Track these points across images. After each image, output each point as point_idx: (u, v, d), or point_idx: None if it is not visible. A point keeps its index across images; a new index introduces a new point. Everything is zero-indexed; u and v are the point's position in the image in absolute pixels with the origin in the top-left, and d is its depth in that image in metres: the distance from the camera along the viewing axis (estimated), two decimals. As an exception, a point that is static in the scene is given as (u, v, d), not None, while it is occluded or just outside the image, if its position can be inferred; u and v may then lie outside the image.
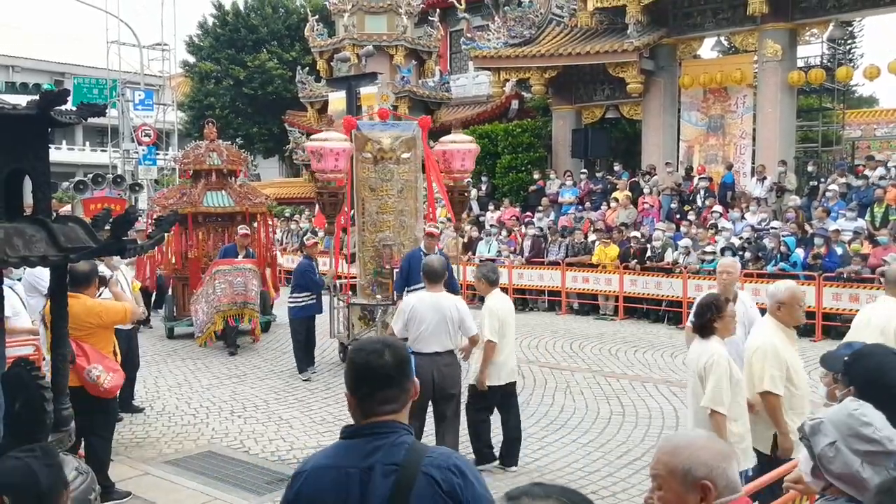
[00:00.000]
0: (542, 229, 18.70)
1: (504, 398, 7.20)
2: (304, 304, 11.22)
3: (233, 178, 14.98)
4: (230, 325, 12.61)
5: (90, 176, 24.40)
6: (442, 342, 6.70)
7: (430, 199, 13.27)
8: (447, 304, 6.76)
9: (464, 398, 7.11)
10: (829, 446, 2.47)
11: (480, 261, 18.33)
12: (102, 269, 7.29)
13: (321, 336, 12.04)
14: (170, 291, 14.95)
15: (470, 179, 13.32)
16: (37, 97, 3.60)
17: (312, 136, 11.84)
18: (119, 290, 7.00)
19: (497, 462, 7.20)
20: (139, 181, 27.66)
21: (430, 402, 6.77)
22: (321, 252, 13.22)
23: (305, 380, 10.78)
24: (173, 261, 14.93)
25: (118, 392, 6.51)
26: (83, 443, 6.26)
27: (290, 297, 11.51)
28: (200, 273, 13.69)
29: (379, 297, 11.54)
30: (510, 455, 7.20)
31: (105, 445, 6.49)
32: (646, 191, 19.17)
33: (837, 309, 13.22)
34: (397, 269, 10.74)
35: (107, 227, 3.72)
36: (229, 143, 15.60)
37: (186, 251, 14.49)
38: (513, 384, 7.28)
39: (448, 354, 6.77)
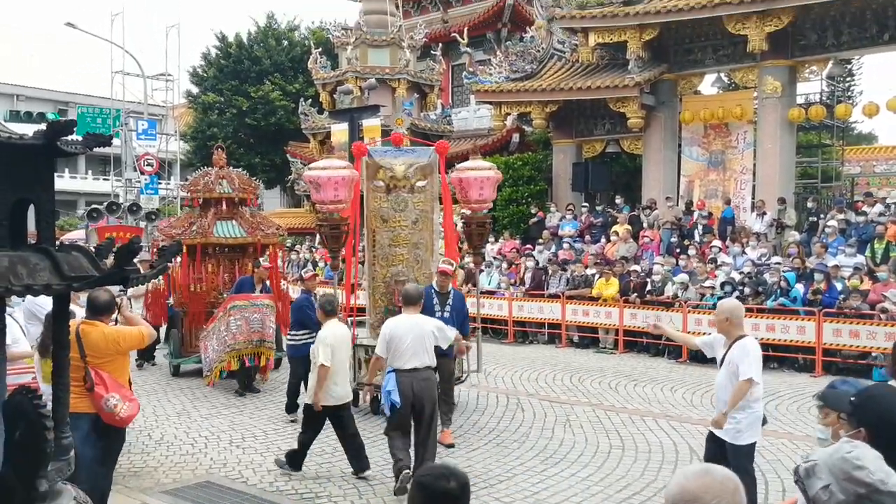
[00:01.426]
0: (538, 262, 18.71)
1: (335, 416, 7.89)
2: (301, 342, 10.06)
3: (243, 208, 14.01)
4: (245, 366, 11.74)
5: (105, 204, 24.44)
6: (420, 359, 7.38)
7: (447, 231, 12.30)
8: (425, 325, 7.54)
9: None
10: (823, 490, 2.47)
11: (481, 292, 18.38)
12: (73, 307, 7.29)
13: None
14: (176, 326, 14.03)
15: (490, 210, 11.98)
16: (43, 127, 3.64)
17: (311, 165, 10.61)
18: (130, 313, 7.01)
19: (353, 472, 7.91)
20: (154, 209, 27.68)
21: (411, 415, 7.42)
22: (321, 282, 13.12)
23: (293, 420, 10.01)
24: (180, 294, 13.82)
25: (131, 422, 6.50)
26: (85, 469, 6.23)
27: (288, 335, 10.75)
28: (206, 307, 13.10)
29: None
30: (360, 459, 7.91)
31: (108, 474, 6.47)
32: (646, 225, 19.23)
33: (838, 345, 13.21)
34: None
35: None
36: (239, 170, 14.83)
37: (193, 284, 13.43)
38: (347, 404, 8.00)
39: (425, 370, 7.42)
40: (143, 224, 24.41)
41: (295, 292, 14.43)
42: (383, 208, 10.92)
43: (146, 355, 14.11)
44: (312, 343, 9.77)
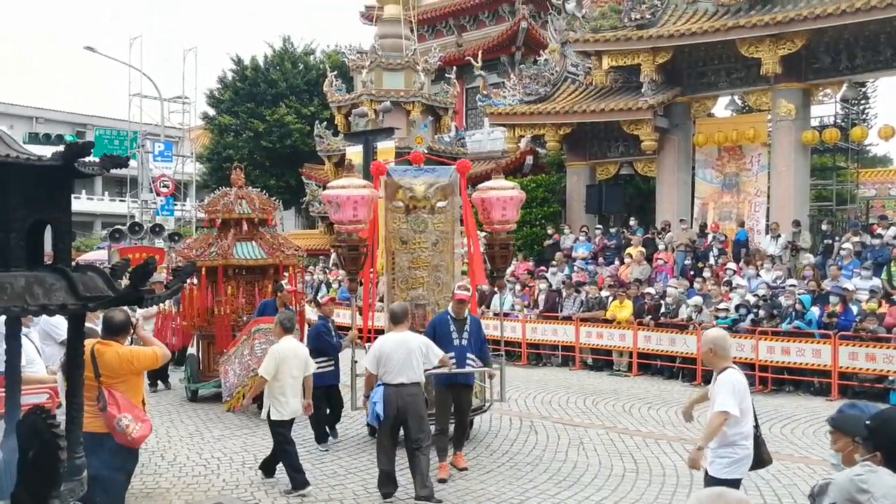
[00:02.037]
0: (551, 285, 18.67)
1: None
2: (319, 370, 9.44)
3: (263, 228, 13.65)
4: None
5: (127, 225, 24.50)
6: (407, 375, 7.71)
7: (473, 253, 11.44)
8: (414, 342, 7.85)
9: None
10: None
11: (495, 314, 18.36)
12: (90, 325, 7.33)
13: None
14: (192, 350, 13.82)
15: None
16: (61, 148, 3.68)
17: (329, 184, 10.10)
18: (145, 333, 7.03)
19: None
20: (178, 231, 27.75)
21: (400, 428, 7.83)
22: (337, 303, 13.01)
23: (325, 451, 9.77)
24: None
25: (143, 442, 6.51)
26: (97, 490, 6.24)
27: None
28: (230, 331, 12.68)
29: None
30: (270, 467, 8.59)
31: (121, 494, 6.47)
32: (660, 247, 19.20)
33: (854, 368, 13.10)
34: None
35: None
36: (258, 189, 14.44)
37: (213, 307, 13.00)
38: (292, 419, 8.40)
39: (413, 385, 7.75)
40: (165, 245, 24.47)
41: (310, 313, 14.08)
42: (402, 229, 10.52)
43: (159, 374, 13.88)
44: (331, 371, 9.98)
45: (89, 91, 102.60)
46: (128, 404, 6.05)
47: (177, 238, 24.10)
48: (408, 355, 7.72)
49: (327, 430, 10.21)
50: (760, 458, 5.99)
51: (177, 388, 14.13)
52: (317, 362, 9.29)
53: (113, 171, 3.51)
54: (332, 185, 9.83)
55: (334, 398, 10.31)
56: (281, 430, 8.11)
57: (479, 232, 11.71)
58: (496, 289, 12.09)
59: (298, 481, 8.05)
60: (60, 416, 3.69)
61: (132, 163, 33.04)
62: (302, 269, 14.94)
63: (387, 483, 7.81)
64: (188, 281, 12.99)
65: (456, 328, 9.09)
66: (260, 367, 8.31)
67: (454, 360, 8.81)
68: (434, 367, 8.35)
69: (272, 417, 8.09)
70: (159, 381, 14.12)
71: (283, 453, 8.19)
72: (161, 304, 13.16)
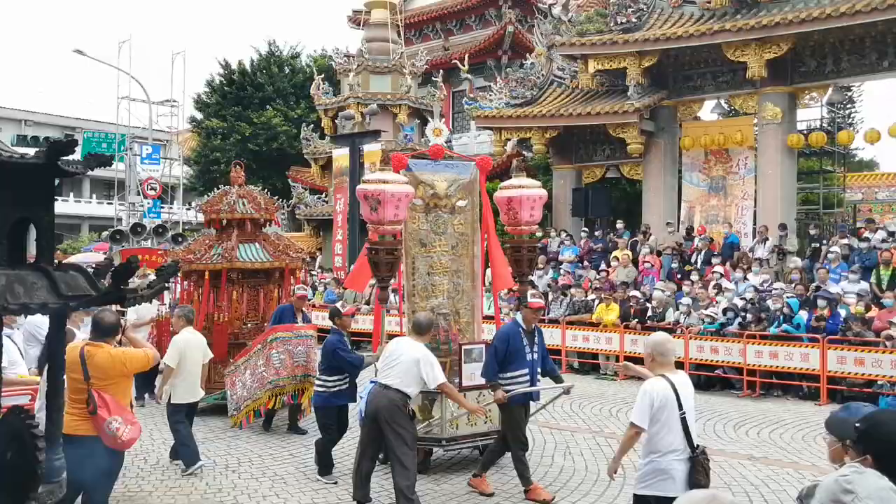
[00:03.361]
0: (536, 287, 18.64)
1: (190, 413, 9.02)
2: (334, 389, 8.76)
3: (266, 229, 12.92)
4: (287, 403, 10.75)
5: (129, 226, 24.15)
6: (401, 380, 7.36)
7: (496, 256, 10.25)
8: (417, 353, 7.44)
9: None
10: None
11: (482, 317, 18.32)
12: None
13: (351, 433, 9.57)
14: None
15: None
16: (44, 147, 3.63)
17: (366, 178, 8.88)
18: (135, 335, 6.96)
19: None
20: (182, 232, 27.43)
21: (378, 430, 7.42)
22: (321, 306, 12.74)
23: (333, 483, 8.58)
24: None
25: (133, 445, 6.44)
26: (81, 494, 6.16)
27: (317, 380, 9.09)
28: (227, 339, 11.87)
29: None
30: (176, 452, 9.02)
31: (104, 498, 6.39)
32: (645, 250, 19.20)
33: (842, 373, 13.10)
34: (475, 347, 9.00)
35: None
36: (260, 188, 13.55)
37: (215, 314, 12.13)
38: (196, 402, 9.14)
39: (394, 391, 7.33)
40: (170, 246, 24.24)
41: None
42: (422, 231, 9.54)
43: (146, 387, 12.34)
44: (346, 389, 8.82)
45: (78, 94, 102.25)
46: (118, 407, 6.00)
47: (180, 239, 23.64)
48: (410, 364, 7.37)
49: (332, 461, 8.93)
50: (696, 482, 5.38)
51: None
52: (331, 380, 8.72)
53: (100, 173, 3.49)
54: (370, 180, 8.64)
55: (346, 420, 9.20)
56: (178, 413, 8.79)
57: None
58: (518, 293, 11.08)
59: (189, 455, 8.78)
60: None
61: (119, 165, 32.97)
62: (306, 272, 14.02)
63: (358, 485, 7.54)
64: (188, 286, 12.70)
65: (528, 341, 8.31)
66: (166, 357, 8.71)
67: (527, 378, 8.23)
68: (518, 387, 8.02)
69: (173, 401, 8.80)
70: (146, 395, 12.59)
71: (176, 432, 8.83)
72: (157, 311, 12.87)
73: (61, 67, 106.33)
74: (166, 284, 4.29)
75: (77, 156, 3.90)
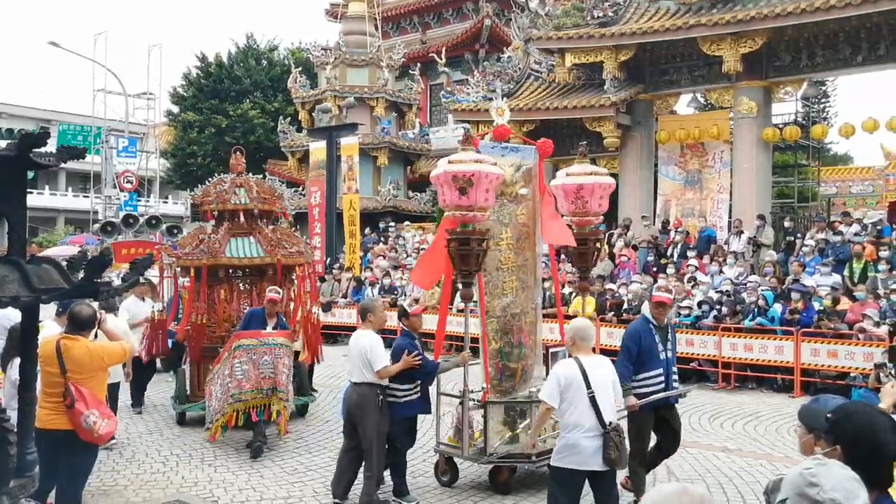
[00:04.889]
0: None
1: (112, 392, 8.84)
2: (404, 399, 7.70)
3: (264, 222, 11.51)
4: (251, 420, 9.32)
5: (121, 217, 23.58)
6: (357, 374, 7.39)
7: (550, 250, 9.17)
8: (363, 341, 7.39)
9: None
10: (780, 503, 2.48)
11: (458, 311, 18.35)
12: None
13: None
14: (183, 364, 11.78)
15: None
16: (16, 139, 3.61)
17: (453, 158, 7.42)
18: (110, 327, 6.91)
19: None
20: (178, 224, 27.02)
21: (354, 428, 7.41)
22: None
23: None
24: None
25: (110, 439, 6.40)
26: (55, 489, 6.13)
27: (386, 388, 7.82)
28: (202, 342, 10.93)
29: (507, 387, 8.43)
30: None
31: (78, 492, 6.36)
32: (621, 243, 19.28)
33: (816, 365, 13.22)
34: (560, 350, 8.39)
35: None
36: (261, 177, 12.64)
37: (197, 314, 11.03)
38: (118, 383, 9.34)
39: (362, 386, 7.35)
40: (167, 240, 23.90)
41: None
42: (489, 221, 8.21)
43: (138, 395, 11.87)
44: (417, 399, 7.82)
45: (53, 86, 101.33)
46: (95, 400, 5.97)
47: (175, 231, 22.96)
48: (356, 356, 7.40)
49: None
50: (605, 458, 5.86)
51: (158, 404, 12.21)
52: (402, 389, 7.66)
53: (76, 166, 3.46)
54: (458, 160, 7.34)
55: (415, 434, 8.08)
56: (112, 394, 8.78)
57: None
58: (580, 290, 10.00)
59: None
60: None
61: (96, 158, 32.75)
62: (313, 268, 12.56)
63: (336, 484, 7.58)
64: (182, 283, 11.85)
65: (660, 338, 7.68)
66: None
67: (661, 379, 7.52)
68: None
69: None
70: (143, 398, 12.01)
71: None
72: (151, 310, 11.74)
73: (36, 59, 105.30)
74: (139, 277, 4.26)
75: (51, 148, 3.88)
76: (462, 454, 7.93)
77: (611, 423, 5.92)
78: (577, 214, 8.56)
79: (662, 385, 7.49)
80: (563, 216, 8.88)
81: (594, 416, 5.86)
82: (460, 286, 7.82)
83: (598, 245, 8.89)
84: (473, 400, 8.09)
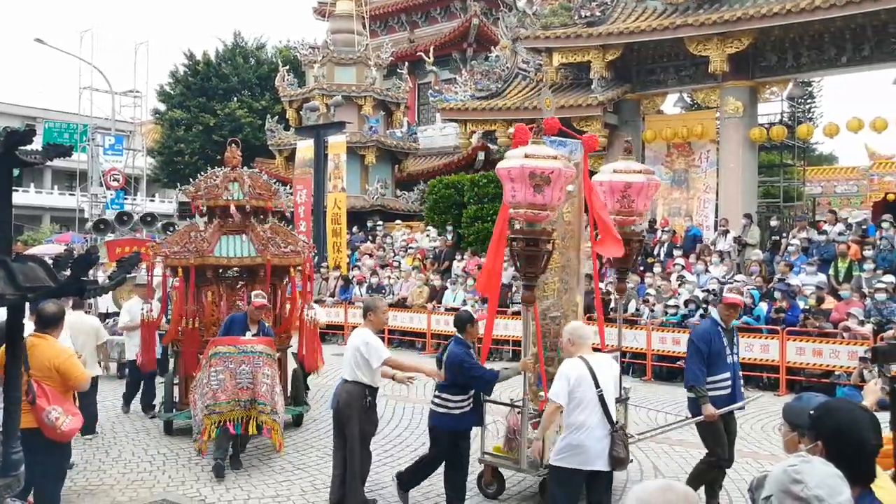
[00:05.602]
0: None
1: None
2: (458, 411, 7.18)
3: (258, 219, 10.77)
4: (228, 434, 8.56)
5: (115, 214, 23.17)
6: (349, 372, 7.23)
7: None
8: (358, 339, 7.26)
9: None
10: (764, 500, 2.50)
11: (446, 309, 18.38)
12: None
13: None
14: (170, 369, 11.20)
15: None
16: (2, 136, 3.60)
17: (528, 152, 6.66)
18: (87, 359, 6.73)
19: None
20: (173, 222, 26.52)
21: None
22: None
23: None
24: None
25: (74, 436, 6.35)
26: (32, 490, 6.10)
27: (436, 398, 7.33)
28: (197, 349, 9.93)
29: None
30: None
31: (55, 492, 6.33)
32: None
33: (801, 363, 13.30)
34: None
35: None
36: (256, 171, 11.88)
37: (187, 318, 10.21)
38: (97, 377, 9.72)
39: (351, 384, 7.20)
40: (161, 237, 23.60)
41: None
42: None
43: (150, 405, 11.49)
44: (470, 410, 7.27)
45: (40, 84, 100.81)
46: (58, 397, 5.91)
47: (172, 229, 22.38)
48: (351, 353, 7.24)
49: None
50: (612, 456, 5.86)
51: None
52: (454, 399, 7.19)
53: (62, 164, 3.45)
54: (535, 154, 6.62)
55: (467, 450, 7.39)
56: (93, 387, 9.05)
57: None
58: (618, 293, 9.69)
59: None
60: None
61: (82, 156, 32.58)
62: (310, 268, 11.78)
63: (333, 485, 7.38)
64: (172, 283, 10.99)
65: (728, 341, 7.40)
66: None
67: (729, 383, 7.27)
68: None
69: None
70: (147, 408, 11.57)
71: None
72: (144, 312, 10.83)
73: (22, 56, 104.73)
74: (125, 275, 4.25)
75: (37, 146, 3.87)
76: (521, 465, 7.35)
77: (617, 421, 5.94)
78: (621, 213, 8.15)
79: (730, 389, 7.26)
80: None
81: (602, 415, 5.85)
82: (523, 289, 7.26)
83: (640, 246, 8.57)
84: (532, 409, 7.49)
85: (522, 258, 6.88)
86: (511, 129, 22.26)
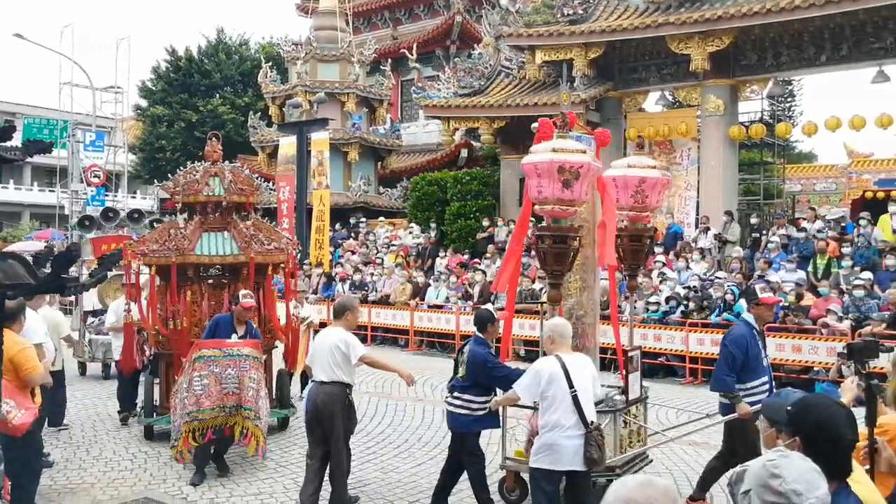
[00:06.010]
0: (486, 276, 18.70)
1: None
2: (478, 412, 7.03)
3: (239, 215, 10.41)
4: (208, 441, 8.23)
5: (101, 211, 22.80)
6: (326, 372, 7.03)
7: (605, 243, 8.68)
8: (334, 338, 7.09)
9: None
10: (743, 495, 2.53)
11: (429, 306, 18.41)
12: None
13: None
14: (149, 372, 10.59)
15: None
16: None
17: (556, 146, 6.41)
18: (45, 356, 6.61)
19: None
20: (160, 218, 26.27)
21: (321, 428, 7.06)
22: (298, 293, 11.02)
23: None
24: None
25: (27, 430, 6.08)
26: (10, 486, 6.07)
27: (454, 398, 7.15)
28: (185, 350, 9.07)
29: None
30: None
31: (31, 487, 6.28)
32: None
33: (781, 359, 13.39)
34: (634, 353, 8.04)
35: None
36: (238, 165, 11.41)
37: (173, 318, 9.65)
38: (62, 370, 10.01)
39: (331, 384, 7.02)
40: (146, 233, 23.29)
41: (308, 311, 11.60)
42: None
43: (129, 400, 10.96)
44: (483, 413, 7.07)
45: (19, 79, 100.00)
46: (13, 390, 5.84)
47: (156, 225, 21.76)
48: (327, 353, 7.03)
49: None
50: (586, 457, 5.79)
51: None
52: (477, 400, 7.03)
53: (42, 160, 3.44)
54: (563, 148, 6.39)
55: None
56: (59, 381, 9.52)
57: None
58: (629, 290, 9.46)
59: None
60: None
61: (62, 152, 32.33)
62: (294, 265, 11.38)
63: (305, 485, 7.18)
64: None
65: (762, 342, 7.27)
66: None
67: (766, 388, 7.16)
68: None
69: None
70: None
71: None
72: (126, 312, 10.32)
73: (1, 51, 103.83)
74: (107, 273, 4.25)
75: (16, 142, 3.86)
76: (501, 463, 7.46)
77: (593, 422, 5.88)
78: (634, 209, 7.88)
79: (768, 394, 6.95)
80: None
81: (576, 416, 5.80)
82: (549, 287, 6.99)
83: (651, 242, 8.41)
84: None
85: (550, 255, 6.60)
86: (495, 126, 22.36)
